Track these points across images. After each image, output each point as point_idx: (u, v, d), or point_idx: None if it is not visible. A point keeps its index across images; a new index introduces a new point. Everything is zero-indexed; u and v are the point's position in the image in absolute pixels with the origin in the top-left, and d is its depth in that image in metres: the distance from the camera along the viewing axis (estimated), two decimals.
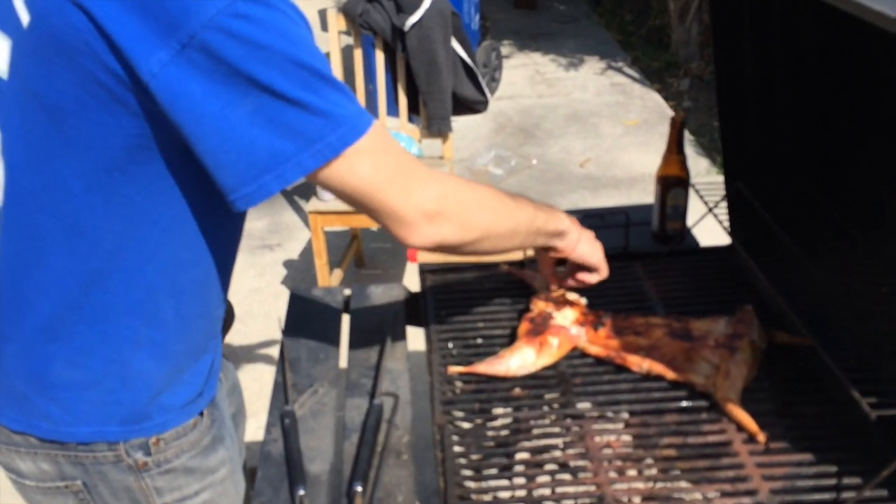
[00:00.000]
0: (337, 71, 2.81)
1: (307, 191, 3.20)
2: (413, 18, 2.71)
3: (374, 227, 3.03)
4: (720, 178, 1.39)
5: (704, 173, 3.61)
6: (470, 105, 2.99)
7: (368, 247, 3.19)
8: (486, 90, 3.04)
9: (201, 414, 0.97)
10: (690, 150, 3.74)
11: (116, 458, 0.91)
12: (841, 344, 1.01)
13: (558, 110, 4.38)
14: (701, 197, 1.44)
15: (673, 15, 4.83)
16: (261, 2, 0.71)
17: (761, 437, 0.97)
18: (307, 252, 3.12)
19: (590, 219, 1.55)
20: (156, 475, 0.94)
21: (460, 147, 3.86)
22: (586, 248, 1.10)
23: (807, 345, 1.10)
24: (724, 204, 1.40)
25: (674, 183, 1.42)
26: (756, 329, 1.12)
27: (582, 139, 4.04)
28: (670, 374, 1.08)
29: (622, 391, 1.09)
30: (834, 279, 1.08)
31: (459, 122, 3.18)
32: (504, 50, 5.08)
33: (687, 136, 3.87)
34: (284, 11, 0.73)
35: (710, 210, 1.42)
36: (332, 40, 2.78)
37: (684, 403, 1.05)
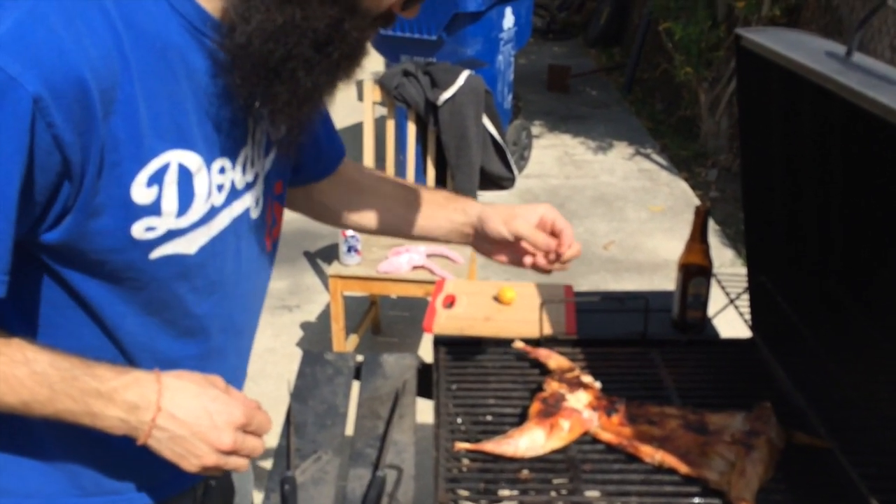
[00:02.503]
0: (369, 140, 2.87)
1: (330, 254, 3.22)
2: (447, 94, 2.78)
3: (394, 294, 3.03)
4: (743, 270, 1.38)
5: (728, 264, 3.59)
6: (497, 181, 3.03)
7: (386, 314, 3.18)
8: (514, 167, 3.09)
9: None
10: (715, 240, 3.73)
11: None
12: (861, 448, 0.98)
13: (585, 192, 4.41)
14: (723, 288, 1.43)
15: (703, 107, 4.90)
16: None
17: None
18: (325, 315, 3.12)
19: (609, 302, 1.55)
20: None
21: None
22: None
23: (826, 447, 1.06)
24: (746, 296, 1.38)
25: (696, 272, 1.41)
26: (774, 427, 1.09)
27: (607, 221, 4.05)
28: (683, 468, 1.05)
29: (633, 482, 1.06)
30: (856, 381, 1.06)
31: (486, 198, 3.21)
32: (535, 130, 5.17)
33: (712, 225, 3.87)
34: None
35: (732, 302, 1.40)
36: (366, 110, 2.85)
37: (697, 500, 1.02)
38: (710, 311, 1.46)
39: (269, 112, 0.80)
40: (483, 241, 1.13)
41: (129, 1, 0.72)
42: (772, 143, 1.21)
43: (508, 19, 4.20)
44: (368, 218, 1.17)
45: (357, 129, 5.33)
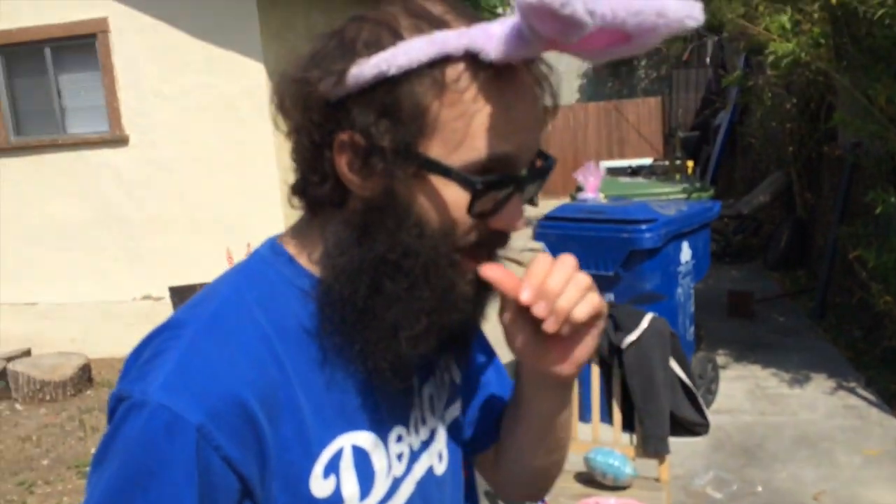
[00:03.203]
0: None
1: None
2: (631, 337, 2.74)
3: None
4: None
5: None
6: (689, 426, 2.85)
7: None
8: (707, 412, 2.91)
9: None
10: None
11: None
12: None
13: (784, 431, 4.05)
14: None
15: None
16: None
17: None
18: None
19: None
20: None
21: (675, 463, 3.63)
22: None
23: None
24: None
25: None
26: None
27: (814, 467, 3.65)
28: None
29: None
30: None
31: (677, 445, 3.02)
32: (720, 360, 4.93)
33: None
34: None
35: None
36: None
37: None
38: None
39: (359, 352, 0.76)
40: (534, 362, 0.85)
41: (271, 303, 0.77)
42: None
43: (686, 253, 4.19)
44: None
45: None
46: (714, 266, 7.35)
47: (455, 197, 0.73)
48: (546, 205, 13.22)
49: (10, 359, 5.62)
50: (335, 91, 0.72)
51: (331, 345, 0.77)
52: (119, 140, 5.93)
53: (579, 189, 5.15)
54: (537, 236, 4.22)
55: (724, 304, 6.14)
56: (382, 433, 0.81)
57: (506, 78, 0.72)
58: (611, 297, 4.02)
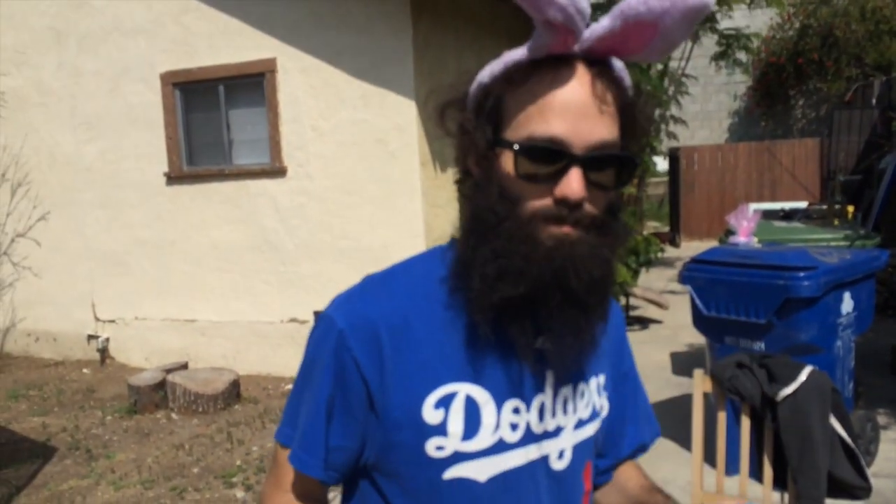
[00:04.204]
0: (698, 434, 2.72)
1: None
2: (787, 390, 2.59)
3: None
4: None
5: None
6: (849, 489, 2.65)
7: None
8: (868, 474, 2.70)
9: None
10: None
11: None
12: None
13: None
14: None
15: None
16: None
17: None
18: None
19: None
20: None
21: None
22: None
23: None
24: None
25: None
26: None
27: None
28: None
29: None
30: None
31: None
32: (880, 419, 4.55)
33: None
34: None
35: None
36: (695, 402, 2.74)
37: None
38: None
39: (467, 300, 0.94)
40: None
41: (424, 278, 0.99)
42: None
43: (847, 304, 3.93)
44: None
45: (670, 403, 5.16)
46: (876, 319, 6.82)
47: (512, 165, 0.90)
48: (688, 247, 12.70)
49: (169, 371, 6.05)
50: (465, 104, 0.96)
51: (454, 301, 0.96)
52: (278, 171, 6.30)
53: (729, 232, 4.95)
54: (684, 279, 4.09)
55: (887, 360, 5.67)
56: (498, 397, 0.96)
57: (558, 73, 0.88)
58: (761, 346, 3.82)
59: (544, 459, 0.99)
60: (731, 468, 2.88)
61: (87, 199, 7.10)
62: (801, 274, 3.65)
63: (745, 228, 4.38)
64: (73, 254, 7.22)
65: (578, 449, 1.03)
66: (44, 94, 7.12)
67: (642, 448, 1.21)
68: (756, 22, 14.26)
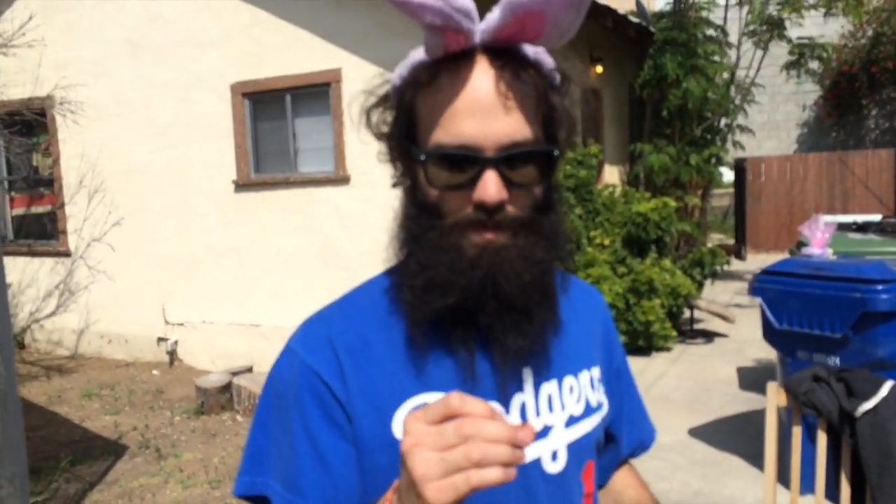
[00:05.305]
0: (771, 449, 2.64)
1: None
2: (867, 405, 2.50)
3: None
4: None
5: None
6: None
7: None
8: None
9: None
10: None
11: None
12: None
13: None
14: None
15: None
16: None
17: None
18: None
19: None
20: None
21: None
22: None
23: None
24: None
25: None
26: None
27: None
28: None
29: None
30: None
31: None
32: None
33: None
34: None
35: None
36: (769, 415, 2.66)
37: None
38: None
39: (407, 308, 0.92)
40: None
41: (384, 294, 0.97)
42: None
43: None
44: None
45: (738, 419, 5.02)
46: None
47: (427, 174, 0.87)
48: (754, 259, 12.38)
49: (235, 373, 6.19)
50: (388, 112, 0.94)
51: (398, 309, 0.93)
52: (342, 179, 6.40)
53: (801, 244, 4.81)
54: (755, 291, 3.98)
55: None
56: None
57: (460, 73, 0.85)
58: (836, 360, 3.70)
59: (536, 463, 0.92)
60: (806, 487, 2.79)
61: (158, 206, 7.33)
62: (880, 287, 3.52)
63: (819, 240, 4.24)
64: (145, 259, 7.46)
65: (574, 448, 0.97)
66: (120, 104, 7.40)
67: (642, 447, 1.16)
68: (827, 30, 13.87)
